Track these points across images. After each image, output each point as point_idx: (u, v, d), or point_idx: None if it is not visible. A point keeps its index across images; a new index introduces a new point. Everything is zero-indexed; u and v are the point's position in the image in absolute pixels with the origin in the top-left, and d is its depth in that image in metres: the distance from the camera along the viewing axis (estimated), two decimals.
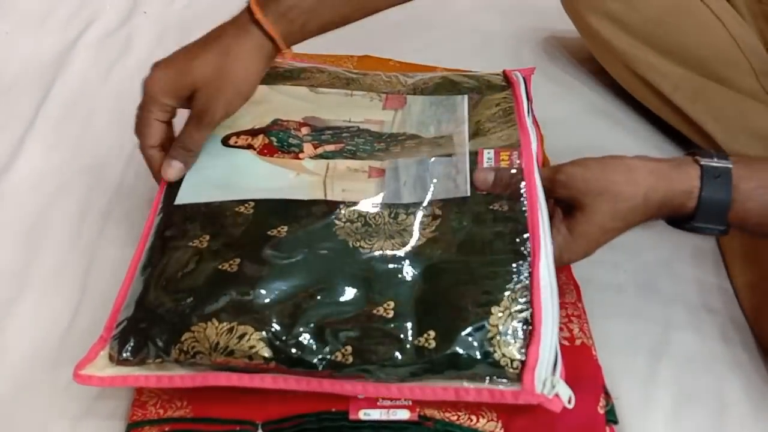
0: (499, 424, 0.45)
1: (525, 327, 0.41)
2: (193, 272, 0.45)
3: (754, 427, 0.50)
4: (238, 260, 0.45)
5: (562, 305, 0.53)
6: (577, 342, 0.51)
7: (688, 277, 0.60)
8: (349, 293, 0.44)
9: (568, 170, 0.47)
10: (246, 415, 0.45)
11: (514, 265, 0.44)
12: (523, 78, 0.61)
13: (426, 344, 0.41)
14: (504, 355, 0.41)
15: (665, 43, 0.71)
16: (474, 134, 0.55)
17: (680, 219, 0.46)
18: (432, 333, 0.41)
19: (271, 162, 0.53)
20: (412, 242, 0.46)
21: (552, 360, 0.41)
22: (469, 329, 0.41)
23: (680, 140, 0.73)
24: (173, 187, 0.51)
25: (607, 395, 0.48)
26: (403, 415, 0.44)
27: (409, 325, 0.42)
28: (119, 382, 0.43)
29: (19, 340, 0.52)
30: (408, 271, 0.45)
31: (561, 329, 0.51)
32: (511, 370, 0.40)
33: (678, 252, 0.63)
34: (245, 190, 0.50)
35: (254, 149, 0.54)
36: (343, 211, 0.48)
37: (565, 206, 0.48)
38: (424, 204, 0.48)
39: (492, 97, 0.59)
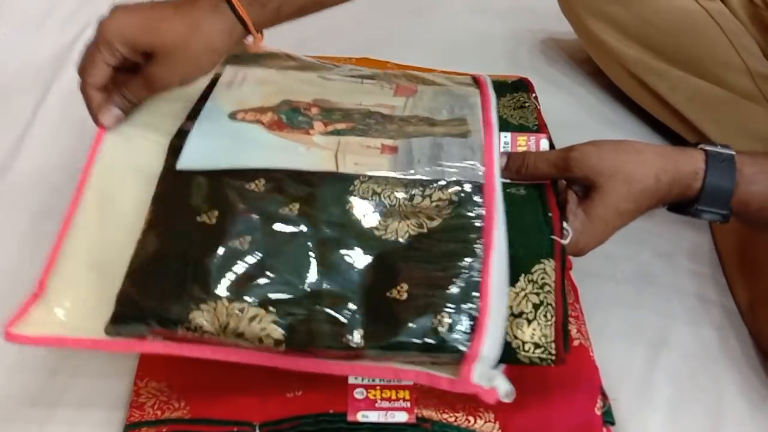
0: (497, 426, 0.45)
1: (470, 322, 0.41)
2: (201, 248, 0.43)
3: (751, 428, 0.51)
4: (249, 238, 0.44)
5: None
6: (575, 343, 0.51)
7: (686, 277, 0.61)
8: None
9: (582, 148, 0.46)
10: (244, 416, 0.45)
11: (468, 260, 0.43)
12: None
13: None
14: (448, 345, 0.40)
15: (662, 44, 0.71)
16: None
17: (683, 204, 0.46)
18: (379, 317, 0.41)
19: (281, 136, 0.51)
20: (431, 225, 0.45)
21: (496, 356, 0.40)
22: (418, 318, 0.41)
23: (677, 142, 0.73)
24: (175, 152, 0.49)
25: (604, 396, 0.48)
26: (401, 417, 0.44)
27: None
28: (57, 342, 0.41)
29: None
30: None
31: None
32: (450, 360, 0.40)
33: (676, 251, 0.63)
34: (254, 159, 0.48)
35: (263, 124, 0.52)
36: (359, 187, 0.47)
37: (581, 190, 0.47)
38: (442, 183, 0.48)
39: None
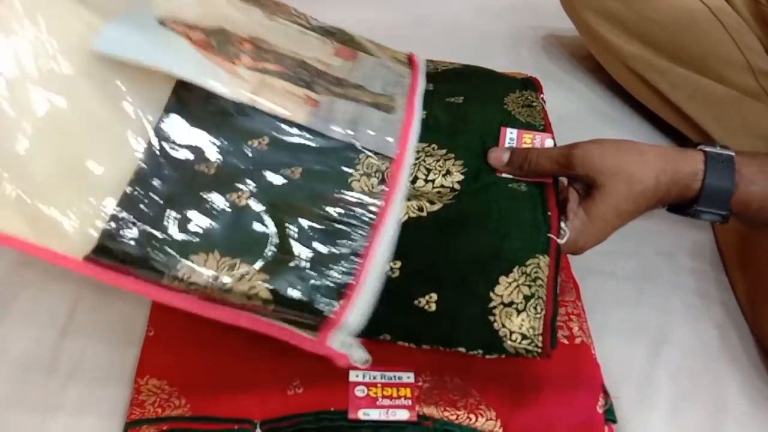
0: (498, 423, 0.45)
1: (340, 290, 0.41)
2: (193, 194, 0.43)
3: (752, 426, 0.50)
4: (247, 192, 0.43)
5: (562, 303, 0.53)
6: (577, 341, 0.51)
7: (687, 275, 0.61)
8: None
9: (585, 146, 0.46)
10: (244, 413, 0.45)
11: (359, 232, 0.44)
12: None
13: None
14: (314, 307, 0.40)
15: (663, 41, 0.71)
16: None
17: (683, 204, 0.46)
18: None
19: (204, 55, 0.48)
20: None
21: (358, 326, 0.41)
22: (300, 273, 0.41)
23: (679, 138, 0.73)
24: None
25: (606, 394, 0.48)
26: (403, 415, 0.44)
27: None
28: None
29: (17, 336, 0.51)
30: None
31: (560, 327, 0.51)
32: (313, 322, 0.40)
33: (677, 249, 0.63)
34: (172, 65, 0.45)
35: (190, 39, 0.48)
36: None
37: (582, 189, 0.47)
38: (356, 147, 0.48)
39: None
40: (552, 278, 0.43)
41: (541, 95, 0.58)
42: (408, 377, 0.46)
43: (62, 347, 0.51)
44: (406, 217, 0.45)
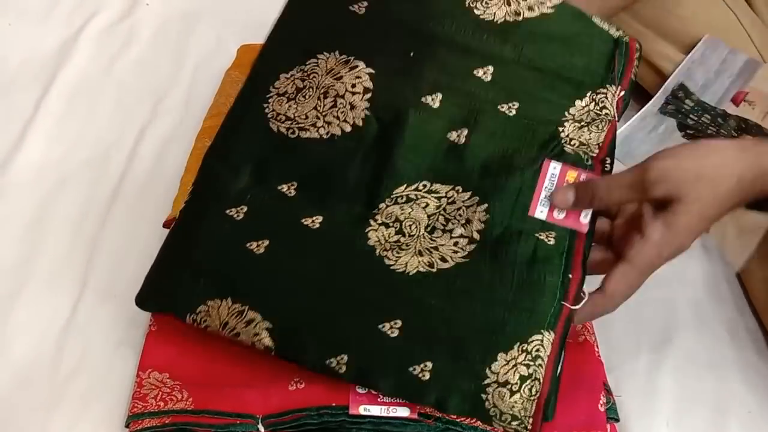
0: None
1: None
2: (219, 242, 0.45)
3: (756, 425, 0.50)
4: (266, 243, 0.44)
5: None
6: (580, 339, 0.50)
7: (695, 273, 0.60)
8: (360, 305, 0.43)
9: (659, 165, 0.42)
10: (246, 408, 0.45)
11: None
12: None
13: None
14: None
15: (675, 31, 0.70)
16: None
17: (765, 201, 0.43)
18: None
19: None
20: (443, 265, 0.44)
21: None
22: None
23: None
24: None
25: (609, 393, 0.48)
26: (404, 412, 0.44)
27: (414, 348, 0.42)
28: None
29: (19, 334, 0.52)
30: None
31: None
32: None
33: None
34: None
35: None
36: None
37: (658, 203, 0.43)
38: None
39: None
40: (555, 355, 0.42)
41: (633, 65, 0.52)
42: None
43: (65, 344, 0.51)
44: (415, 271, 0.44)
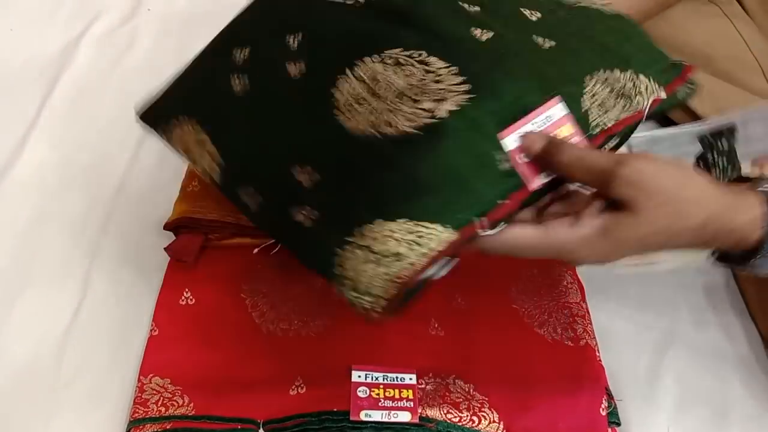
0: (501, 426, 0.45)
1: None
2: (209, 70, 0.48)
3: (757, 429, 0.50)
4: (246, 81, 0.45)
5: (566, 305, 0.53)
6: (581, 342, 0.50)
7: (693, 277, 0.60)
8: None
9: (637, 166, 0.37)
10: (248, 413, 0.45)
11: None
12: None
13: None
14: None
15: (673, 39, 0.70)
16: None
17: (738, 256, 0.40)
18: None
19: None
20: None
21: None
22: None
23: None
24: None
25: (610, 397, 0.48)
26: (405, 416, 0.44)
27: None
28: None
29: (20, 337, 0.52)
30: None
31: (565, 329, 0.51)
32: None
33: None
34: None
35: None
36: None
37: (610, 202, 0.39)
38: None
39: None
40: (439, 258, 0.36)
41: (683, 83, 0.46)
42: (410, 378, 0.46)
43: (65, 348, 0.51)
44: (358, 130, 0.40)
